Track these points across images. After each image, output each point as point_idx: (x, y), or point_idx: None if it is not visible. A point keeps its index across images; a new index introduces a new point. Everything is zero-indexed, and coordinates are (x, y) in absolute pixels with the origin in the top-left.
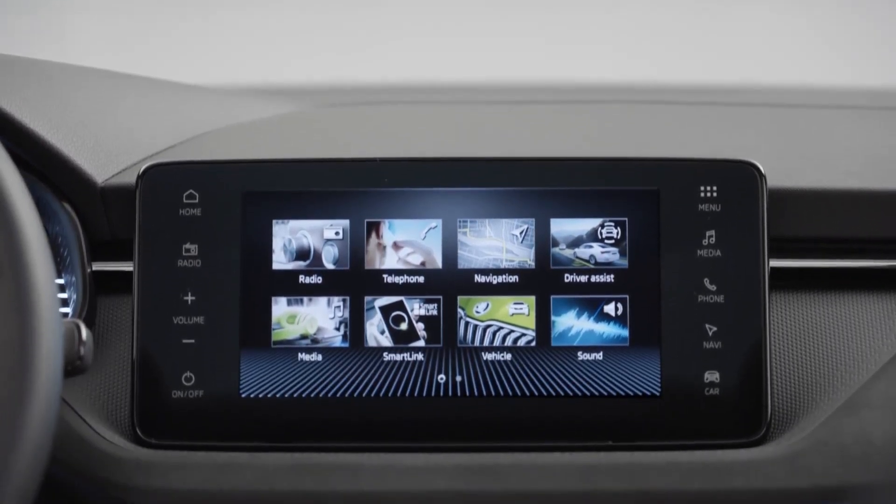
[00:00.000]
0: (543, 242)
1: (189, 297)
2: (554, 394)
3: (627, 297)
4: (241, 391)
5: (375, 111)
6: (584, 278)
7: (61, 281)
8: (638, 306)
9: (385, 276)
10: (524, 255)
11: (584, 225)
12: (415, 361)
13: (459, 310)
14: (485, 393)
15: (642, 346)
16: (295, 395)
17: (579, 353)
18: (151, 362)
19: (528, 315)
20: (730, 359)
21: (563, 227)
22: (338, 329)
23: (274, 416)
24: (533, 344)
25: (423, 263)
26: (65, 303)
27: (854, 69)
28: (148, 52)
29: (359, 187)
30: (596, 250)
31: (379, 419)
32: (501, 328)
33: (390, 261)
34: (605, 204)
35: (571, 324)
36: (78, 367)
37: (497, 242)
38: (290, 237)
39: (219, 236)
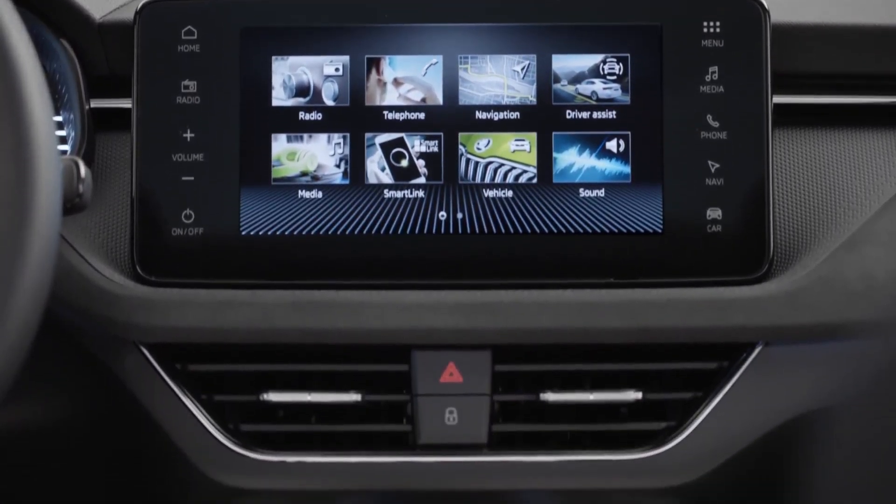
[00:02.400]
0: (545, 78)
1: (188, 135)
2: (555, 231)
3: (629, 133)
4: (241, 228)
5: None
6: (585, 115)
7: (59, 118)
8: (640, 143)
9: (385, 112)
10: (525, 92)
11: (586, 61)
12: (415, 199)
13: (460, 146)
14: (486, 230)
15: (644, 183)
16: (295, 233)
17: (581, 190)
18: (151, 200)
19: (530, 152)
20: (732, 195)
21: (565, 63)
22: (338, 166)
23: (274, 253)
24: (534, 181)
25: (423, 100)
26: (63, 140)
27: None
28: None
29: (359, 23)
30: (598, 86)
31: (379, 256)
32: (503, 165)
33: (391, 97)
34: (607, 39)
35: (573, 160)
36: (77, 204)
37: (498, 78)
38: (289, 73)
39: (218, 73)
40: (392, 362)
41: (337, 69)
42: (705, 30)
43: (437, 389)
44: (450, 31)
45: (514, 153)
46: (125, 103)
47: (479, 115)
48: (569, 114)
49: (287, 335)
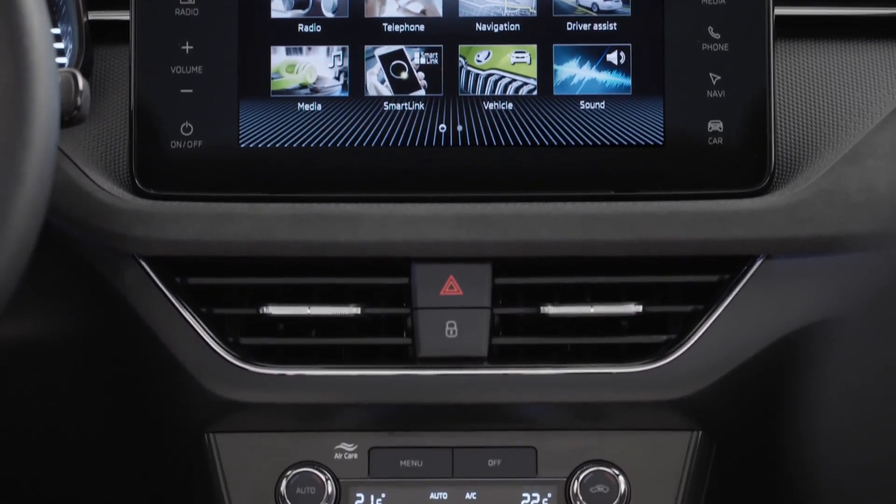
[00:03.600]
0: None
1: (187, 47)
2: (556, 143)
3: (630, 45)
4: (240, 141)
5: None
6: (586, 26)
7: (57, 31)
8: (641, 55)
9: (385, 24)
10: (526, 3)
11: None
12: (415, 111)
13: (460, 59)
14: (486, 142)
15: (645, 95)
16: (294, 146)
17: (581, 103)
18: (149, 112)
19: (530, 64)
20: (733, 108)
21: None
22: (337, 78)
23: (273, 166)
24: (534, 93)
25: (423, 12)
26: (61, 53)
27: None
28: None
29: None
30: None
31: (379, 169)
32: (503, 77)
33: (390, 9)
34: None
35: (573, 73)
36: (75, 117)
37: None
38: None
39: None
40: (392, 275)
41: None
42: None
43: (437, 302)
44: None
45: (515, 65)
46: (123, 15)
47: (480, 27)
48: (569, 25)
49: (286, 248)
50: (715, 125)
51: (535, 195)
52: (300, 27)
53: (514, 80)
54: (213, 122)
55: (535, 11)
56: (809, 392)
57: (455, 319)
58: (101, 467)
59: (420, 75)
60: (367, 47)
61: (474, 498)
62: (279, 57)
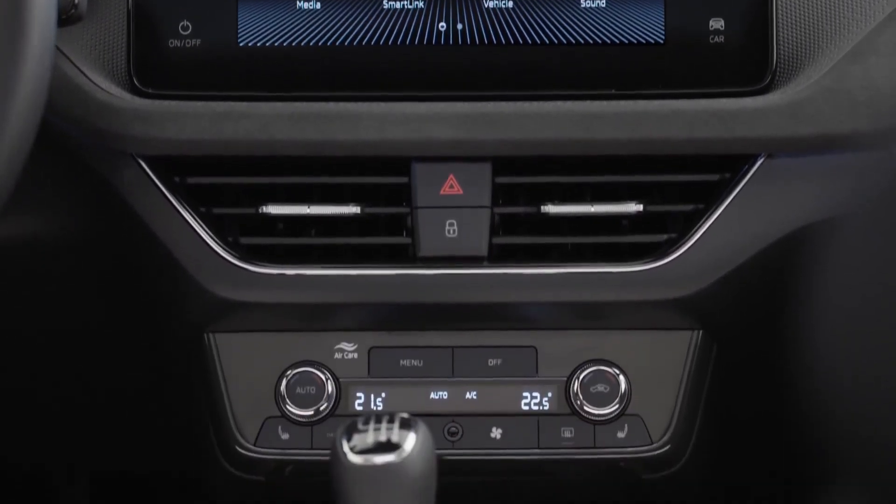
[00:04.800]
0: None
1: None
2: (556, 41)
3: None
4: (238, 39)
5: None
6: None
7: None
8: None
9: None
10: None
11: None
12: (415, 9)
13: None
14: (486, 40)
15: None
16: (293, 44)
17: (582, 0)
18: (147, 11)
19: None
20: (735, 5)
21: None
22: None
23: (272, 64)
24: None
25: None
26: None
27: None
28: None
29: None
30: None
31: (379, 67)
32: None
33: None
34: None
35: None
36: (73, 15)
37: None
38: None
39: None
40: (392, 174)
41: None
42: None
43: (437, 202)
44: None
45: None
46: None
47: None
48: None
49: (286, 147)
50: (716, 23)
51: (536, 94)
52: None
53: None
54: (211, 20)
55: None
56: (810, 291)
57: (455, 218)
58: (100, 366)
59: None
60: None
61: (474, 397)
62: None
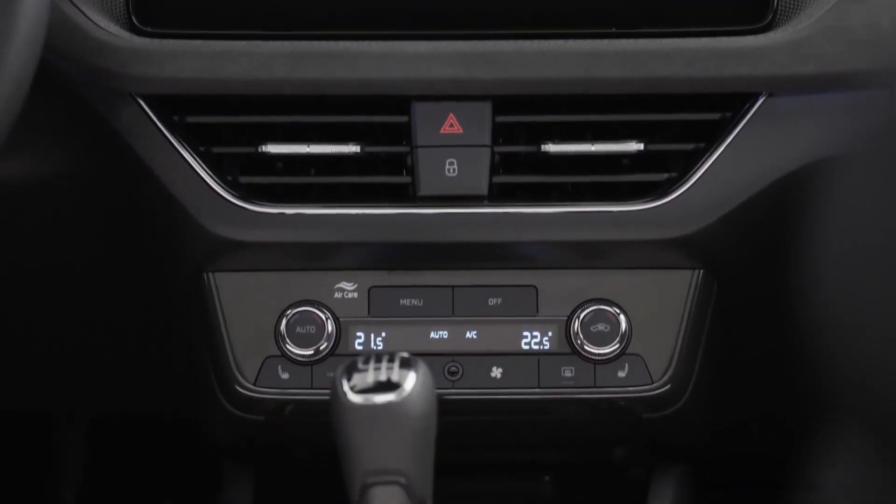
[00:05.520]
0: None
1: None
2: None
3: None
4: None
5: None
6: None
7: None
8: None
9: None
10: None
11: None
12: None
13: None
14: None
15: None
16: None
17: None
18: None
19: None
20: None
21: None
22: None
23: (272, 3)
24: None
25: None
26: None
27: None
28: None
29: None
30: None
31: (379, 6)
32: None
33: None
34: None
35: None
36: None
37: None
38: None
39: None
40: (391, 113)
41: None
42: None
43: (437, 141)
44: None
45: None
46: None
47: None
48: None
49: (285, 86)
50: None
51: (536, 32)
52: None
53: None
54: None
55: None
56: (812, 230)
57: (455, 158)
58: (100, 306)
59: None
60: None
61: (475, 337)
62: None
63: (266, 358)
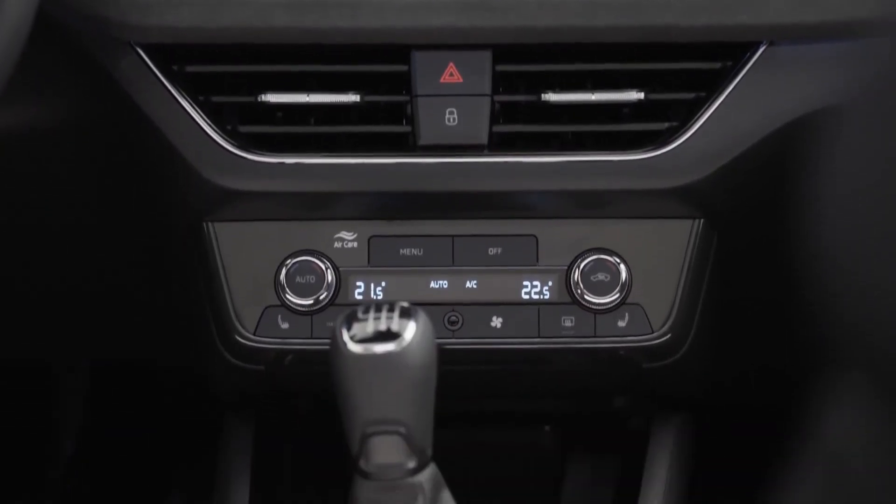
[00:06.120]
0: None
1: None
2: None
3: None
4: None
5: None
6: None
7: None
8: None
9: None
10: None
11: None
12: None
13: None
14: None
15: None
16: None
17: None
18: None
19: None
20: None
21: None
22: None
23: None
24: None
25: None
26: None
27: None
28: None
29: None
30: None
31: None
32: None
33: None
34: None
35: None
36: None
37: None
38: None
39: None
40: (391, 63)
41: None
42: None
43: (437, 90)
44: None
45: None
46: None
47: None
48: None
49: (284, 34)
50: None
51: None
52: None
53: None
54: None
55: None
56: (812, 180)
57: (455, 107)
58: (99, 255)
59: None
60: None
61: (475, 286)
62: None
63: (266, 308)
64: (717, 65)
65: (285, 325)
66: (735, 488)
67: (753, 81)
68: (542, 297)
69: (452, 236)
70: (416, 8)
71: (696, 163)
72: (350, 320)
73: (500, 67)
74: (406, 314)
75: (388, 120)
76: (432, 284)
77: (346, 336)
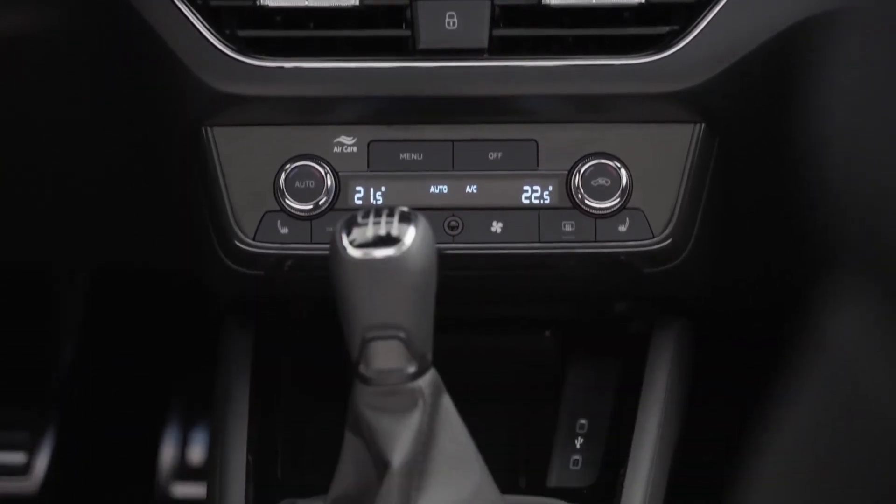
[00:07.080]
0: None
1: None
2: None
3: None
4: None
5: None
6: None
7: None
8: None
9: None
10: None
11: None
12: None
13: None
14: None
15: None
16: None
17: None
18: None
19: None
20: None
21: None
22: None
23: None
24: None
25: None
26: None
27: None
28: None
29: None
30: None
31: None
32: None
33: None
34: None
35: None
36: None
37: None
38: None
39: None
40: None
41: None
42: None
43: None
44: None
45: None
46: None
47: None
48: None
49: None
50: None
51: None
52: None
53: None
54: None
55: None
56: (815, 83)
57: (455, 10)
58: (98, 161)
59: None
60: None
61: (475, 191)
62: None
63: (265, 213)
64: None
65: (285, 231)
66: (734, 394)
67: None
68: (542, 201)
69: (452, 141)
70: None
71: (698, 67)
72: (349, 225)
73: None
74: (406, 219)
75: (387, 24)
76: (432, 189)
77: (345, 241)
